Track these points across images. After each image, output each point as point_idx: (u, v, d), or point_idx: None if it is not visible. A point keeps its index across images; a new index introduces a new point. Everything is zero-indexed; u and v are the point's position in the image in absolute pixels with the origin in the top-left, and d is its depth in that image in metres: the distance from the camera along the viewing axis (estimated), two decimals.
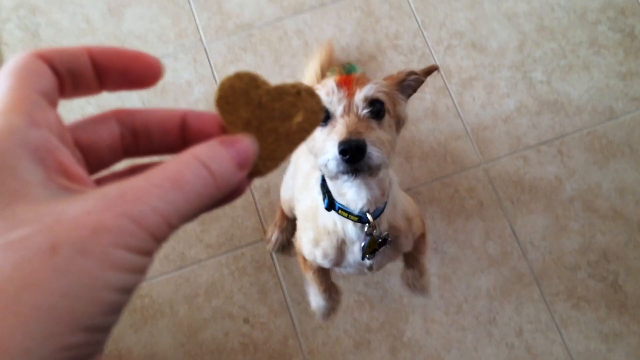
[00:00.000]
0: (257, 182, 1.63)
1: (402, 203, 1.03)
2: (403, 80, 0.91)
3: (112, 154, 0.31)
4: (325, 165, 0.78)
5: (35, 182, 0.23)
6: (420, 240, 1.16)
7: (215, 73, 1.77)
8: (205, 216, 1.59)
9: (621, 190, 1.59)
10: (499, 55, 1.76)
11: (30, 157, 0.23)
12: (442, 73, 1.74)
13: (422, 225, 1.14)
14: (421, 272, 1.21)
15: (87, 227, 0.21)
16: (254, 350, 1.49)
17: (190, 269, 1.56)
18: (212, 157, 0.26)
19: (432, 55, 1.76)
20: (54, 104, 0.27)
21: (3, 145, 0.23)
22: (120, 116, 0.31)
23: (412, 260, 1.20)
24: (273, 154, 0.31)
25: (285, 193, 1.39)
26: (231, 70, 1.74)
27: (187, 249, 1.58)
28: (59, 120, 0.27)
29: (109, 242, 0.21)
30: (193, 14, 1.83)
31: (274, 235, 1.53)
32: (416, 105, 1.71)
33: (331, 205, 0.92)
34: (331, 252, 1.00)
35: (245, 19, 1.82)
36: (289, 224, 1.52)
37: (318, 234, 1.01)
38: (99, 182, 0.29)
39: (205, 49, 1.80)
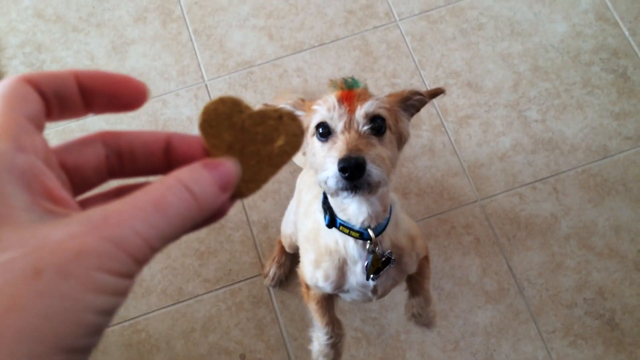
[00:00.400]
0: (255, 217, 1.65)
1: (404, 222, 1.02)
2: (407, 99, 0.91)
3: (97, 176, 0.31)
4: (325, 182, 0.78)
5: (21, 207, 0.24)
6: (424, 264, 1.15)
7: None
8: (203, 251, 1.60)
9: (616, 228, 1.60)
10: (495, 94, 1.80)
11: (16, 181, 0.24)
12: (439, 111, 1.77)
13: (425, 247, 1.12)
14: (427, 300, 1.19)
15: (70, 250, 0.22)
16: None
17: (187, 304, 1.56)
18: (195, 180, 0.27)
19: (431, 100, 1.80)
20: (40, 128, 0.28)
21: None
22: (105, 138, 0.31)
23: (417, 286, 1.17)
24: (255, 177, 0.32)
25: (286, 228, 1.39)
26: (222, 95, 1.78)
27: (185, 284, 1.58)
28: (45, 143, 0.28)
29: (91, 265, 0.22)
30: (195, 52, 1.88)
31: (272, 269, 1.54)
32: (413, 142, 1.74)
33: (332, 222, 0.92)
34: (332, 273, 0.99)
35: (246, 57, 1.86)
36: (287, 259, 1.53)
37: (319, 254, 1.00)
38: (84, 203, 0.30)
39: (206, 86, 1.84)
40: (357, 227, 0.90)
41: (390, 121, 0.84)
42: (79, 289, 0.22)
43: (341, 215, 0.91)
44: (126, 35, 1.91)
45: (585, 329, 1.51)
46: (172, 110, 1.81)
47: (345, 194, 0.78)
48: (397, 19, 1.90)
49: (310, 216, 1.06)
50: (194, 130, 1.77)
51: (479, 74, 1.82)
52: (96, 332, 0.23)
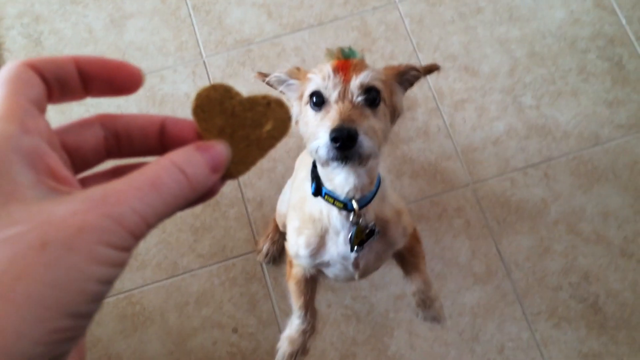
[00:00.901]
0: (250, 195, 1.67)
1: (391, 197, 1.02)
2: (404, 74, 0.90)
3: (96, 156, 0.33)
4: (316, 151, 0.78)
5: (27, 185, 0.25)
6: (415, 245, 1.14)
7: None
8: (198, 227, 1.63)
9: (604, 215, 1.64)
10: (491, 79, 1.81)
11: (22, 161, 0.26)
12: (435, 94, 1.79)
13: (411, 224, 1.10)
14: (425, 283, 1.16)
15: (74, 226, 0.24)
16: None
17: (181, 278, 1.59)
18: (188, 161, 0.29)
19: (426, 76, 1.81)
20: (43, 110, 0.30)
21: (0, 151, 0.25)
22: (104, 121, 0.33)
23: (411, 267, 1.16)
24: (245, 159, 0.34)
25: (281, 207, 1.41)
26: (229, 83, 1.78)
27: (180, 258, 1.61)
28: (47, 126, 0.29)
29: (92, 239, 0.24)
30: (194, 28, 1.88)
31: (265, 246, 1.56)
32: (408, 125, 1.75)
33: (318, 191, 0.92)
34: (313, 240, 0.99)
35: (245, 35, 1.86)
36: (281, 237, 1.56)
37: (303, 222, 1.00)
38: (84, 182, 0.32)
39: (204, 63, 1.84)
40: (342, 197, 0.90)
41: (385, 94, 0.83)
42: (81, 260, 0.24)
43: (327, 185, 0.91)
44: (124, 9, 1.91)
45: (569, 312, 1.55)
46: (170, 86, 1.82)
47: (335, 163, 0.78)
48: (397, 0, 1.90)
49: (300, 188, 1.07)
50: (190, 105, 1.78)
51: (476, 58, 1.83)
52: (97, 299, 0.25)
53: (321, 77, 0.81)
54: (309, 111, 0.84)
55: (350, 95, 0.79)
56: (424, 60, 1.83)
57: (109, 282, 0.25)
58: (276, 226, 1.55)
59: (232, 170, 0.33)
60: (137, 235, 0.26)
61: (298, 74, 0.90)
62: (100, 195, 0.26)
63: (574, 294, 1.56)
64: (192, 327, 1.55)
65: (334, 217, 0.94)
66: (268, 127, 0.34)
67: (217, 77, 1.82)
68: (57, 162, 0.28)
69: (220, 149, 0.32)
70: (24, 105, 0.28)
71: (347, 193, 0.89)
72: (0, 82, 0.28)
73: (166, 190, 0.27)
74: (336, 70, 0.81)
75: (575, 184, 1.67)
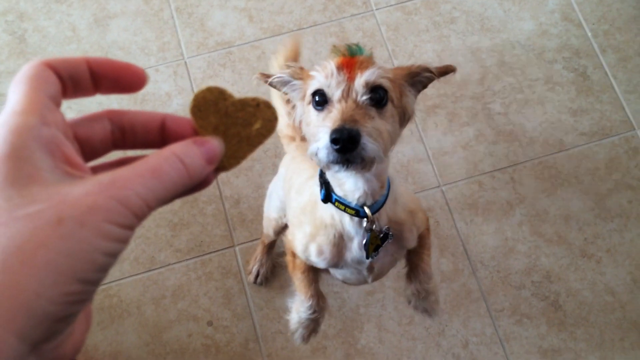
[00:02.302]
0: (228, 192, 1.72)
1: (403, 197, 0.96)
2: (416, 75, 0.85)
3: (104, 147, 0.38)
4: (316, 154, 0.73)
5: (46, 169, 0.30)
6: (424, 236, 1.08)
7: (194, 87, 1.86)
8: (176, 222, 1.67)
9: (566, 217, 1.72)
10: (462, 86, 1.88)
11: (42, 149, 0.30)
12: None
13: (425, 220, 1.05)
14: (426, 274, 1.09)
15: (85, 205, 0.29)
16: (216, 352, 1.56)
17: (158, 272, 1.63)
18: (186, 152, 0.34)
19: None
20: (58, 105, 0.34)
21: (22, 140, 0.30)
22: (111, 116, 0.38)
23: (416, 258, 1.09)
24: (236, 154, 0.39)
25: (270, 212, 1.38)
26: (210, 84, 1.83)
27: (157, 253, 1.65)
28: (63, 118, 0.34)
29: (101, 218, 0.29)
30: (176, 29, 1.93)
31: (254, 267, 1.60)
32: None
33: (327, 197, 0.88)
34: (326, 249, 0.93)
35: (226, 37, 1.92)
36: (269, 259, 1.59)
37: (315, 227, 0.94)
38: (94, 170, 0.36)
39: (185, 63, 1.89)
40: (353, 204, 0.86)
41: (393, 94, 0.77)
42: (91, 235, 0.28)
43: (338, 191, 0.87)
44: (108, 9, 1.95)
45: (531, 309, 1.62)
46: (151, 85, 1.86)
47: (336, 167, 0.73)
48: (374, 8, 1.97)
49: (305, 190, 1.03)
50: (172, 105, 1.83)
51: None
52: (103, 269, 0.30)
53: (324, 75, 0.76)
54: (311, 111, 0.79)
55: (354, 94, 0.74)
56: None
57: (114, 255, 0.30)
58: (264, 248, 1.57)
59: (225, 163, 0.38)
60: (140, 216, 0.31)
61: (301, 74, 0.85)
62: (108, 180, 0.30)
63: (536, 292, 1.64)
64: (168, 319, 1.59)
65: (346, 223, 0.90)
66: (257, 125, 0.39)
67: (198, 77, 1.87)
68: (72, 151, 0.33)
69: (214, 143, 0.36)
70: (43, 100, 0.32)
71: (358, 199, 0.85)
72: (22, 79, 0.32)
73: (166, 178, 0.32)
74: (340, 67, 0.76)
75: (540, 188, 1.75)
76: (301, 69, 0.86)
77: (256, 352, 1.57)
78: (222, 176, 1.75)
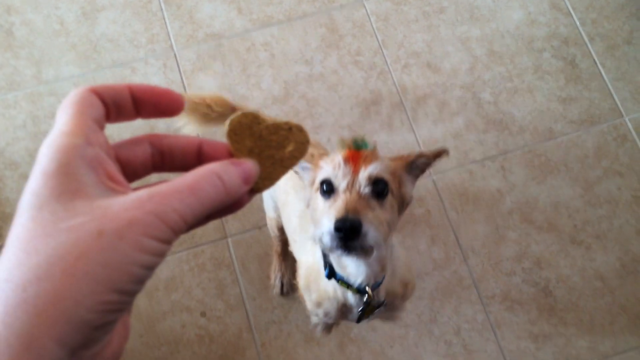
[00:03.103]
0: None
1: (400, 268, 1.04)
2: (413, 162, 0.92)
3: (144, 169, 0.39)
4: (320, 239, 0.79)
5: (90, 184, 0.32)
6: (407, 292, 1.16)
7: (184, 79, 1.86)
8: None
9: (556, 205, 1.73)
10: (452, 75, 1.89)
11: (86, 166, 0.32)
12: (399, 89, 1.86)
13: (414, 286, 1.16)
14: (400, 310, 1.19)
15: (125, 219, 0.30)
16: (210, 342, 1.57)
17: None
18: (224, 170, 0.35)
19: (391, 72, 1.89)
20: (102, 128, 0.36)
21: (68, 158, 0.31)
22: (152, 139, 0.39)
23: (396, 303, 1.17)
24: (270, 175, 0.40)
25: (269, 212, 1.45)
26: (200, 77, 1.84)
27: None
28: (106, 140, 0.36)
29: (139, 232, 0.30)
30: (165, 21, 1.92)
31: (277, 280, 1.60)
32: (373, 118, 1.83)
33: (331, 274, 0.94)
34: (332, 314, 1.05)
35: (215, 29, 1.91)
36: (287, 267, 1.60)
37: (320, 297, 1.04)
38: (135, 190, 0.38)
39: (175, 56, 1.89)
40: (355, 285, 0.92)
41: (392, 185, 0.84)
42: (129, 248, 0.29)
43: (340, 272, 0.93)
44: (96, 1, 1.94)
45: (521, 296, 1.64)
46: (141, 78, 1.86)
47: (339, 252, 0.79)
48: None
49: (311, 247, 1.09)
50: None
51: (438, 56, 1.91)
52: (140, 281, 0.31)
53: (332, 167, 0.83)
54: (318, 197, 0.86)
55: (358, 186, 0.80)
56: (388, 57, 1.90)
57: (150, 268, 0.31)
58: (278, 257, 1.59)
59: (259, 184, 0.39)
60: (176, 231, 0.32)
61: (312, 159, 0.92)
62: (147, 196, 0.31)
63: (527, 278, 1.66)
64: (162, 311, 1.59)
65: (349, 297, 0.98)
66: (290, 148, 0.40)
67: (188, 70, 1.87)
68: (114, 169, 0.34)
69: (250, 164, 0.37)
70: (87, 123, 0.34)
71: (361, 283, 0.92)
72: (69, 103, 0.34)
73: (204, 194, 0.33)
74: (347, 160, 0.83)
75: (530, 176, 1.77)
76: (312, 155, 0.95)
77: (250, 342, 1.57)
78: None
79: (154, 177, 0.40)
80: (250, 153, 0.39)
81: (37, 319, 0.26)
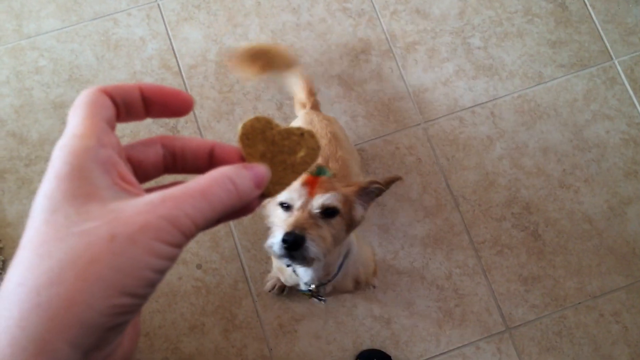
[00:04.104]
0: (209, 137, 1.71)
1: (355, 269, 1.19)
2: (366, 188, 1.02)
3: (155, 170, 0.39)
4: (271, 247, 0.93)
5: (104, 187, 0.31)
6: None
7: (169, 30, 1.82)
8: None
9: (545, 150, 1.75)
10: (441, 21, 1.87)
11: (99, 169, 0.32)
12: (388, 37, 1.84)
13: (370, 276, 1.34)
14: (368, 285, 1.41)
15: (137, 224, 0.30)
16: (207, 293, 1.60)
17: None
18: (237, 174, 0.35)
19: (379, 19, 1.86)
20: (113, 128, 0.36)
21: (80, 161, 0.31)
22: (164, 141, 0.39)
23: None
24: (281, 180, 0.40)
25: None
26: (185, 28, 1.80)
27: None
28: (118, 141, 0.35)
29: (151, 236, 0.30)
30: None
31: (269, 282, 1.60)
32: (363, 67, 1.81)
33: (289, 265, 1.09)
34: (289, 283, 1.27)
35: None
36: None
37: (281, 269, 1.26)
38: (147, 191, 0.38)
39: (159, 6, 1.84)
40: (302, 282, 1.12)
41: (343, 210, 0.97)
42: (141, 252, 0.29)
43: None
44: None
45: (511, 240, 1.67)
46: (124, 30, 1.81)
47: (285, 260, 0.93)
48: None
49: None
50: (147, 50, 1.79)
51: (427, 1, 1.88)
52: (151, 284, 0.30)
53: (288, 190, 0.95)
54: (278, 211, 0.99)
55: (310, 207, 0.94)
56: (377, 3, 1.86)
57: (162, 272, 0.31)
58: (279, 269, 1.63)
59: (270, 189, 0.39)
60: (188, 235, 0.32)
61: None
62: (159, 200, 0.31)
63: (516, 223, 1.68)
64: None
65: (300, 284, 1.19)
66: (301, 153, 0.40)
67: (172, 20, 1.82)
68: (126, 170, 0.34)
69: (262, 169, 0.37)
70: (99, 124, 0.33)
71: (306, 282, 1.11)
72: (80, 105, 0.34)
73: (215, 198, 0.33)
74: (305, 184, 0.96)
75: (519, 122, 1.77)
76: None
77: (245, 292, 1.60)
78: (203, 120, 1.74)
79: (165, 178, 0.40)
80: (262, 158, 0.39)
81: (50, 322, 0.27)
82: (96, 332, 0.28)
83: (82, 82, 1.77)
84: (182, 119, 1.74)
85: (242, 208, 0.36)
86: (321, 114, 1.37)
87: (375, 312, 1.60)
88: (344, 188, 1.00)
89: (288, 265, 1.09)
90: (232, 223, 1.65)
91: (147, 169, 0.38)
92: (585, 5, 1.89)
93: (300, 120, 1.38)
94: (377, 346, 1.58)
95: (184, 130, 1.73)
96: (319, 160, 1.21)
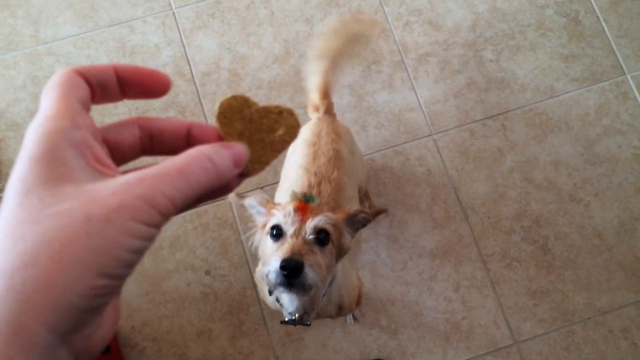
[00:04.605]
0: None
1: (339, 295, 1.17)
2: (353, 216, 1.03)
3: (132, 152, 0.39)
4: (267, 275, 0.90)
5: (78, 168, 0.31)
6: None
7: (183, 38, 1.84)
8: None
9: (556, 163, 1.74)
10: (454, 33, 1.87)
11: (73, 150, 0.32)
12: (400, 48, 1.85)
13: (354, 301, 1.28)
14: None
15: (113, 204, 0.30)
16: (215, 300, 1.61)
17: None
18: (215, 153, 0.35)
19: (392, 30, 1.87)
20: (88, 109, 0.36)
21: (55, 142, 0.31)
22: (140, 122, 0.39)
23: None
24: (260, 159, 0.39)
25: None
26: (199, 35, 1.82)
27: None
28: (92, 122, 0.35)
29: (127, 216, 0.30)
30: None
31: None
32: (374, 78, 1.82)
33: (271, 292, 1.05)
34: (272, 307, 1.19)
35: None
36: None
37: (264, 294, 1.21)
38: (124, 173, 0.37)
39: (174, 14, 1.86)
40: (287, 312, 1.08)
41: (333, 236, 0.96)
42: (117, 232, 0.29)
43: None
44: None
45: (520, 253, 1.66)
46: (140, 37, 1.84)
47: (281, 288, 0.90)
48: None
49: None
50: (161, 57, 1.81)
51: (440, 13, 1.89)
52: (129, 265, 0.30)
53: (283, 214, 0.95)
54: (268, 240, 0.97)
55: (304, 233, 0.93)
56: (389, 14, 1.88)
57: (139, 252, 0.31)
58: None
59: (250, 168, 0.39)
60: (165, 214, 0.31)
61: (267, 204, 1.02)
62: (136, 179, 0.31)
63: (526, 236, 1.68)
64: (167, 269, 1.62)
65: (283, 311, 1.12)
66: (280, 132, 0.40)
67: (187, 28, 1.84)
68: (101, 152, 0.34)
69: (240, 147, 0.37)
70: (73, 105, 0.33)
71: (291, 312, 1.07)
72: (53, 86, 0.34)
73: (193, 177, 0.32)
74: (296, 210, 0.95)
75: (530, 135, 1.77)
76: (267, 200, 1.04)
77: (253, 299, 1.61)
78: (213, 124, 1.75)
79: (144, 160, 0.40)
80: (240, 136, 0.39)
81: (25, 305, 0.27)
82: (73, 314, 0.28)
83: None
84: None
85: (221, 187, 0.36)
86: (333, 124, 1.35)
87: (383, 322, 1.60)
88: (334, 215, 0.99)
89: (270, 293, 1.05)
90: (241, 229, 1.66)
91: (124, 150, 0.38)
92: (599, 19, 1.89)
93: (308, 128, 1.37)
94: (383, 356, 1.58)
95: None
96: (312, 182, 1.21)
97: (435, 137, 1.76)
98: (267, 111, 0.40)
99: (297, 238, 0.92)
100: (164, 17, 1.86)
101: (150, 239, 0.31)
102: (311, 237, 0.93)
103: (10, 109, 1.77)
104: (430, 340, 1.60)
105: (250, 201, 1.05)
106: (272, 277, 0.89)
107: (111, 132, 0.37)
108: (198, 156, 0.33)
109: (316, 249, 0.93)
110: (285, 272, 0.87)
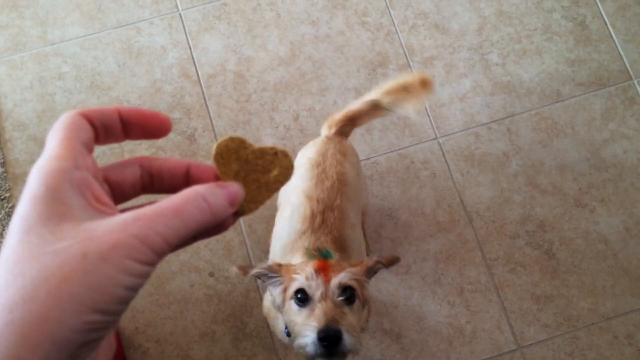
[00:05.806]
0: None
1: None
2: (372, 267, 1.03)
3: (133, 191, 0.40)
4: (304, 348, 0.88)
5: (77, 207, 0.32)
6: None
7: (189, 40, 1.85)
8: None
9: (561, 168, 1.74)
10: (460, 36, 1.87)
11: (73, 190, 0.33)
12: (406, 51, 1.85)
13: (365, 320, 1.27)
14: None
15: (109, 242, 0.31)
16: (218, 301, 1.61)
17: None
18: (210, 192, 0.36)
19: (398, 33, 1.87)
20: (91, 150, 0.37)
21: (56, 182, 0.32)
22: (141, 162, 0.40)
23: None
24: (255, 198, 0.40)
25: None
26: (205, 37, 1.82)
27: None
28: (94, 163, 0.37)
29: (123, 254, 0.31)
30: None
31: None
32: (380, 80, 1.81)
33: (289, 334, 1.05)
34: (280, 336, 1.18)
35: None
36: None
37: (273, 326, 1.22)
38: (122, 212, 0.39)
39: (180, 16, 1.87)
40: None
41: (358, 290, 0.95)
42: (113, 270, 0.30)
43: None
44: None
45: (525, 258, 1.66)
46: (146, 39, 1.85)
47: (321, 359, 0.88)
48: None
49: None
50: (167, 59, 1.82)
51: (446, 16, 1.89)
52: (123, 302, 0.31)
53: (304, 277, 0.93)
54: (293, 305, 0.95)
55: (331, 294, 0.91)
56: (396, 18, 1.88)
57: (134, 289, 0.32)
58: None
59: (245, 207, 0.40)
60: (159, 253, 0.32)
61: (279, 269, 1.01)
62: (132, 218, 0.32)
63: (530, 241, 1.67)
64: (171, 271, 1.63)
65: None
66: (275, 172, 0.41)
67: (193, 30, 1.85)
68: (100, 191, 0.35)
69: (236, 187, 0.38)
70: (76, 147, 0.35)
71: None
72: (59, 127, 0.35)
73: (188, 216, 0.33)
74: (317, 271, 0.93)
75: (536, 139, 1.77)
76: (279, 265, 1.02)
77: (257, 302, 1.61)
78: (220, 129, 1.76)
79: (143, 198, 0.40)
80: (236, 176, 0.40)
81: (23, 339, 0.27)
82: (68, 348, 0.29)
83: (103, 89, 1.80)
84: (199, 128, 1.76)
85: (217, 226, 0.37)
86: (339, 146, 1.31)
87: (386, 326, 1.60)
88: (354, 269, 0.98)
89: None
90: (245, 231, 1.66)
91: (125, 189, 0.39)
92: (606, 24, 1.88)
93: (314, 145, 1.33)
94: None
95: (201, 139, 1.75)
96: (315, 210, 1.19)
97: (440, 140, 1.76)
98: (262, 152, 0.41)
99: (326, 301, 0.90)
100: (170, 18, 1.86)
101: (145, 277, 0.32)
102: (340, 298, 0.91)
103: (17, 109, 1.78)
104: (434, 344, 1.59)
105: (258, 271, 1.04)
106: (311, 349, 0.87)
107: (113, 171, 0.39)
108: (194, 196, 0.34)
109: (346, 309, 0.92)
110: (326, 343, 0.85)
